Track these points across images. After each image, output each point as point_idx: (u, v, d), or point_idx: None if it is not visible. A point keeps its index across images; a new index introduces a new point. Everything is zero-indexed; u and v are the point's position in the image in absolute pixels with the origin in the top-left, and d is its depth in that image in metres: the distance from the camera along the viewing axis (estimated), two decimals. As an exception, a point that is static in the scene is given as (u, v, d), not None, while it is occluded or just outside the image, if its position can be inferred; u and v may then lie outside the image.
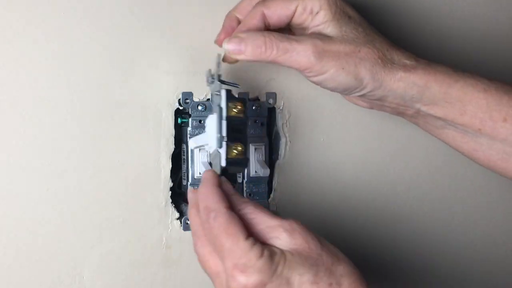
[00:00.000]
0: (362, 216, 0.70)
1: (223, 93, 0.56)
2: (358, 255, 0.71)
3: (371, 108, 0.62)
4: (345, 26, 0.57)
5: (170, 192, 0.63)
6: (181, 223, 0.63)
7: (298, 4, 0.57)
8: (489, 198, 0.75)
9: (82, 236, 0.60)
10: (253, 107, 0.64)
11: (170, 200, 0.63)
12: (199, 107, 0.62)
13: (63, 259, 0.59)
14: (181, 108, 0.62)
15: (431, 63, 0.58)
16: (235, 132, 0.56)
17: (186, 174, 0.63)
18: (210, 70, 0.58)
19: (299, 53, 0.56)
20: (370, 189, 0.70)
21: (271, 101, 0.65)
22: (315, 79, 0.57)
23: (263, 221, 0.51)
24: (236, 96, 0.59)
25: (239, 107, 0.57)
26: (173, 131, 0.62)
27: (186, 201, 0.64)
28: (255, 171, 0.65)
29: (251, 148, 0.64)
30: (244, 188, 0.65)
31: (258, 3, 0.59)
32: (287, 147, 0.66)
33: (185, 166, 0.63)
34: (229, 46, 0.56)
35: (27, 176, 0.58)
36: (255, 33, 0.57)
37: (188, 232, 0.64)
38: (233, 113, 0.56)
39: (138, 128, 0.61)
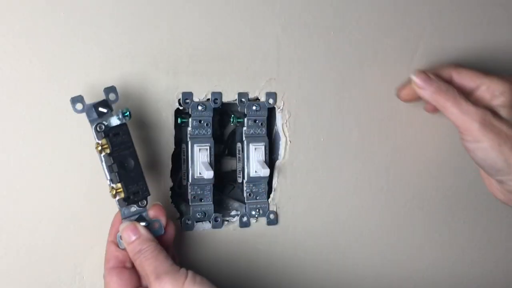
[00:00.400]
0: (362, 216, 0.70)
1: (93, 133, 0.54)
2: (357, 254, 0.71)
3: (506, 202, 0.65)
4: None
5: (170, 192, 0.63)
6: (181, 223, 0.63)
7: (484, 83, 0.63)
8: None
9: (82, 236, 0.60)
10: (253, 107, 0.64)
11: (170, 200, 0.63)
12: (199, 107, 0.62)
13: (63, 259, 0.59)
14: (181, 108, 0.62)
15: None
16: (115, 172, 0.54)
17: (186, 174, 0.63)
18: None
19: (468, 114, 0.61)
20: (370, 189, 0.70)
21: (271, 101, 0.65)
22: (469, 144, 0.62)
23: (149, 273, 0.53)
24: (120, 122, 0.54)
25: (103, 144, 0.54)
26: (173, 131, 0.62)
27: (186, 201, 0.64)
28: (255, 171, 0.65)
29: (251, 148, 0.64)
30: (244, 188, 0.65)
31: (451, 65, 0.65)
32: (287, 147, 0.66)
33: (185, 166, 0.63)
34: (416, 79, 0.63)
35: (27, 176, 0.58)
36: (441, 80, 0.63)
37: (189, 232, 0.64)
38: (105, 152, 0.54)
39: (138, 128, 0.60)
